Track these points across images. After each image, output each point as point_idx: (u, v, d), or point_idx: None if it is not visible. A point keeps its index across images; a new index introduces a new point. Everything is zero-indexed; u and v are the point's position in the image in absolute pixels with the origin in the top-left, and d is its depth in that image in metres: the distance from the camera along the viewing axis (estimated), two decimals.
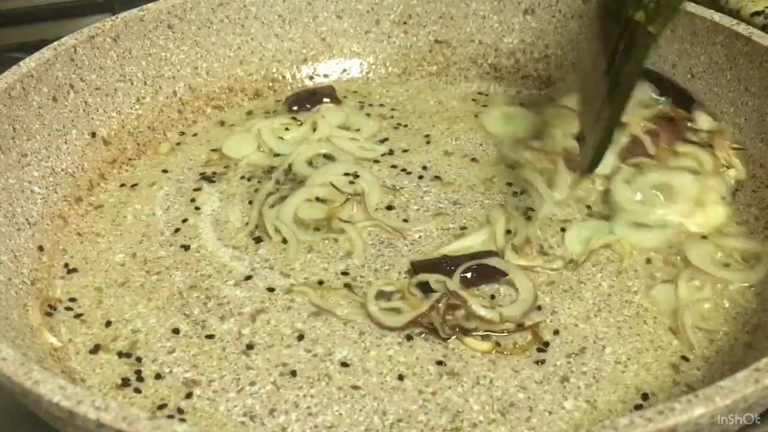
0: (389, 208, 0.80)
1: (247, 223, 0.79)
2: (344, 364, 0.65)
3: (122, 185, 0.84)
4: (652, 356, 0.66)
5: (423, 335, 0.67)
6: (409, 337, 0.67)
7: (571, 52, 0.96)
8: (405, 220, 0.79)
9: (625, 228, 0.76)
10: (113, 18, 0.87)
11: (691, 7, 0.86)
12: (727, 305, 0.70)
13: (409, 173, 0.85)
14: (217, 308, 0.70)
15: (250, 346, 0.67)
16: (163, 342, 0.68)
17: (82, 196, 0.81)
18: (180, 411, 0.62)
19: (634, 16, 0.71)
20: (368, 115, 0.94)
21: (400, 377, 0.64)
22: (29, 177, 0.76)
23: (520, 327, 0.67)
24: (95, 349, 0.67)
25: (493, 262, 0.72)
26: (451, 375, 0.64)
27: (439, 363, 0.65)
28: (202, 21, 0.93)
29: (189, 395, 0.63)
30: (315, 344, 0.67)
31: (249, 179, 0.84)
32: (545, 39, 0.97)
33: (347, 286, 0.72)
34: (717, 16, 0.84)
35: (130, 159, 0.87)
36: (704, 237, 0.75)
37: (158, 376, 0.65)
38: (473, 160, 0.87)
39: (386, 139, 0.90)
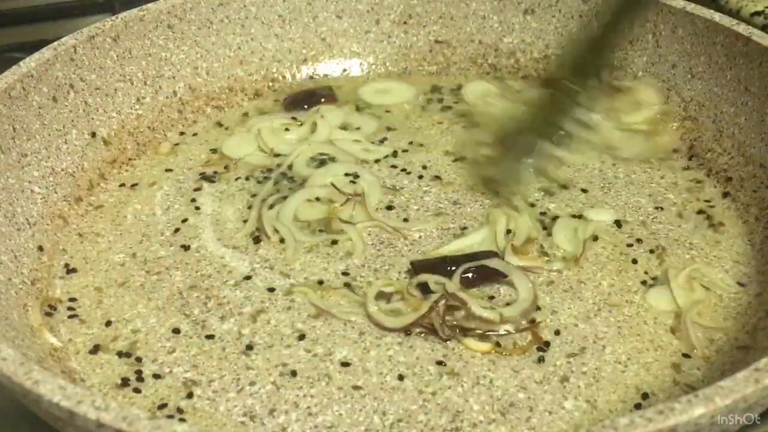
0: (389, 208, 0.80)
1: (245, 222, 0.79)
2: (344, 364, 0.65)
3: (122, 185, 0.84)
4: (652, 356, 0.66)
5: (423, 335, 0.67)
6: (409, 337, 0.67)
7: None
8: (405, 220, 0.79)
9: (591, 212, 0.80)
10: (113, 18, 0.87)
11: (691, 7, 0.86)
12: (726, 305, 0.70)
13: (409, 173, 0.85)
14: (217, 308, 0.70)
15: (250, 346, 0.67)
16: (163, 342, 0.68)
17: (82, 196, 0.81)
18: (180, 411, 0.62)
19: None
20: (369, 114, 0.94)
21: (400, 377, 0.64)
22: (29, 177, 0.76)
23: (520, 327, 0.67)
24: (95, 349, 0.67)
25: (493, 263, 0.72)
26: (451, 375, 0.64)
27: (439, 363, 0.65)
28: (202, 21, 0.93)
29: (189, 395, 0.63)
30: (315, 344, 0.67)
31: (249, 179, 0.84)
32: (545, 39, 0.97)
33: (347, 285, 0.72)
34: (717, 16, 0.84)
35: (130, 159, 0.87)
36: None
37: (158, 376, 0.65)
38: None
39: (385, 139, 0.90)
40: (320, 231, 0.78)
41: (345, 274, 0.73)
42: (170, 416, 0.62)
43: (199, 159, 0.88)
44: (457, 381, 0.64)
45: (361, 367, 0.65)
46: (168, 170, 0.86)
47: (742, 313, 0.69)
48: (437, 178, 0.84)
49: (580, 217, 0.79)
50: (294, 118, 0.92)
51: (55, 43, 0.82)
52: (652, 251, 0.75)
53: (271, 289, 0.72)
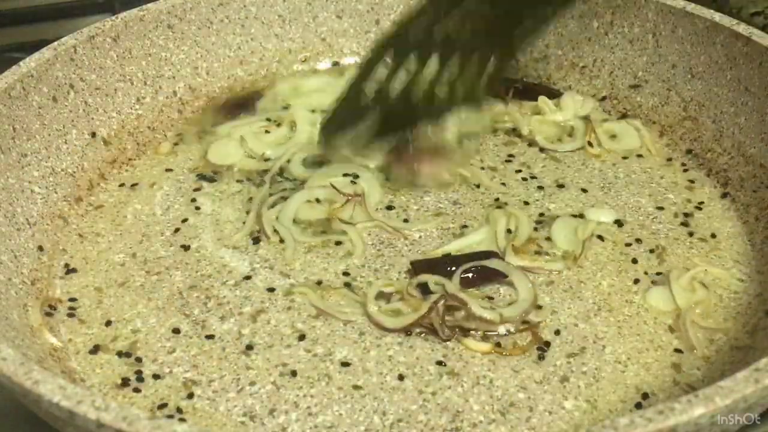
0: (389, 208, 0.80)
1: (244, 222, 0.79)
2: (344, 364, 0.65)
3: (122, 185, 0.84)
4: (652, 356, 0.66)
5: (423, 335, 0.67)
6: (409, 338, 0.67)
7: (571, 52, 0.96)
8: (405, 220, 0.79)
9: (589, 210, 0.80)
10: (113, 18, 0.87)
11: (691, 7, 0.86)
12: (726, 305, 0.70)
13: None
14: (217, 308, 0.70)
15: (250, 346, 0.67)
16: (163, 342, 0.68)
17: (82, 196, 0.81)
18: (180, 411, 0.62)
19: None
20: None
21: (400, 377, 0.64)
22: (29, 177, 0.76)
23: (520, 327, 0.67)
24: (95, 349, 0.67)
25: (493, 263, 0.72)
26: (451, 375, 0.64)
27: (439, 363, 0.65)
28: (202, 21, 0.93)
29: (189, 395, 0.63)
30: (315, 344, 0.67)
31: (246, 181, 0.84)
32: (545, 39, 0.97)
33: (347, 285, 0.72)
34: (717, 16, 0.84)
35: (130, 159, 0.87)
36: None
37: (158, 376, 0.65)
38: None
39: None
40: (321, 232, 0.78)
41: (345, 274, 0.73)
42: (170, 416, 0.62)
43: (198, 159, 0.88)
44: (457, 381, 0.64)
45: (361, 367, 0.65)
46: (168, 170, 0.86)
47: (742, 313, 0.69)
48: None
49: (580, 216, 0.79)
50: (269, 119, 0.91)
51: (55, 43, 0.82)
52: (652, 251, 0.75)
53: (271, 289, 0.72)
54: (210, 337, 0.68)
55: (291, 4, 0.97)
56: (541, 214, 0.79)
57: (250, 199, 0.81)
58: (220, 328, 0.68)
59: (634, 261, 0.74)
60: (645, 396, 0.63)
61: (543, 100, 0.92)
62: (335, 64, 0.99)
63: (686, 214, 0.79)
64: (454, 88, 0.78)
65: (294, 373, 0.65)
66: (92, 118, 0.84)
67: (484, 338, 0.67)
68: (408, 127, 0.80)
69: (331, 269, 0.74)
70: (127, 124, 0.88)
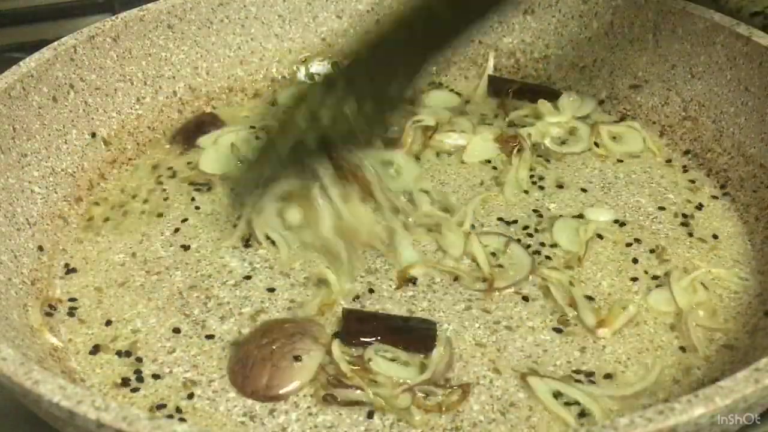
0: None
1: (235, 226, 0.78)
2: None
3: (122, 185, 0.84)
4: (652, 356, 0.66)
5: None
6: None
7: (572, 52, 0.96)
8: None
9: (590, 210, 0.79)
10: (113, 18, 0.87)
11: (691, 7, 0.86)
12: (726, 305, 0.70)
13: None
14: (217, 308, 0.70)
15: None
16: (163, 342, 0.68)
17: (82, 196, 0.81)
18: (179, 411, 0.62)
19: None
20: None
21: None
22: (29, 177, 0.76)
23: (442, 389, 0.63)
24: (95, 349, 0.67)
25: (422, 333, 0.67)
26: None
27: None
28: (202, 21, 0.93)
29: (189, 395, 0.63)
30: None
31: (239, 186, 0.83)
32: (545, 39, 0.97)
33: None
34: (717, 16, 0.84)
35: (130, 159, 0.87)
36: None
37: (158, 376, 0.65)
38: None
39: None
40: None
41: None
42: (170, 416, 0.62)
43: (190, 170, 0.86)
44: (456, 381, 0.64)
45: None
46: (168, 169, 0.86)
47: (742, 313, 0.69)
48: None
49: (580, 216, 0.79)
50: (252, 127, 0.90)
51: (55, 43, 0.82)
52: (652, 251, 0.75)
53: (271, 289, 0.72)
54: (210, 337, 0.68)
55: (291, 4, 0.97)
56: (540, 215, 0.79)
57: (242, 204, 0.79)
58: (220, 328, 0.68)
59: (634, 261, 0.74)
60: (645, 396, 0.63)
61: (542, 103, 0.92)
62: (335, 64, 0.99)
63: (686, 215, 0.79)
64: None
65: None
66: (92, 118, 0.84)
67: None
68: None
69: None
70: (127, 124, 0.88)
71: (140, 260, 0.75)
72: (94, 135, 0.84)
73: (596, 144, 0.88)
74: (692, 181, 0.84)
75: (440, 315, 0.69)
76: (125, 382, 0.64)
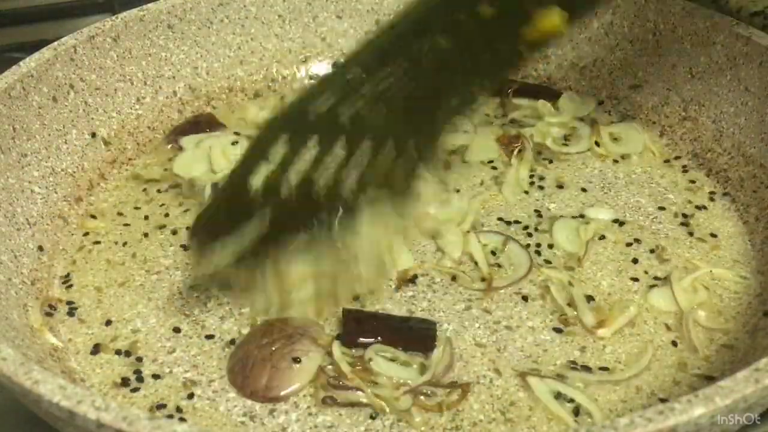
0: None
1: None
2: None
3: (122, 185, 0.84)
4: (652, 356, 0.66)
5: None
6: None
7: (571, 52, 0.96)
8: None
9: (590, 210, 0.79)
10: (113, 18, 0.87)
11: (691, 7, 0.86)
12: (726, 305, 0.70)
13: None
14: (217, 308, 0.70)
15: None
16: (163, 342, 0.68)
17: (82, 196, 0.81)
18: (180, 411, 0.62)
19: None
20: None
21: None
22: (29, 177, 0.76)
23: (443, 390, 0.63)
24: (95, 349, 0.67)
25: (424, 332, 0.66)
26: None
27: None
28: (202, 21, 0.93)
29: (189, 395, 0.63)
30: None
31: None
32: None
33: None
34: (717, 16, 0.84)
35: (130, 159, 0.87)
36: None
37: (158, 376, 0.65)
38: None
39: None
40: None
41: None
42: (170, 416, 0.62)
43: (162, 169, 0.86)
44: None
45: None
46: (166, 170, 0.86)
47: (742, 313, 0.69)
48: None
49: (580, 217, 0.79)
50: (237, 133, 0.89)
51: (55, 43, 0.82)
52: (652, 251, 0.75)
53: None
54: (210, 337, 0.68)
55: (291, 4, 0.97)
56: (541, 215, 0.79)
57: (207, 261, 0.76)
58: (220, 328, 0.68)
59: (635, 261, 0.74)
60: (645, 396, 0.63)
61: (542, 103, 0.92)
62: (335, 64, 0.99)
63: (686, 214, 0.79)
64: (364, 177, 0.62)
65: None
66: (92, 118, 0.84)
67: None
68: (304, 226, 0.62)
69: None
70: (127, 124, 0.88)
71: (140, 260, 0.75)
72: (94, 135, 0.84)
73: (597, 144, 0.88)
74: (692, 181, 0.84)
75: (440, 315, 0.69)
76: (125, 382, 0.64)
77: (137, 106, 0.89)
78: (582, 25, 0.95)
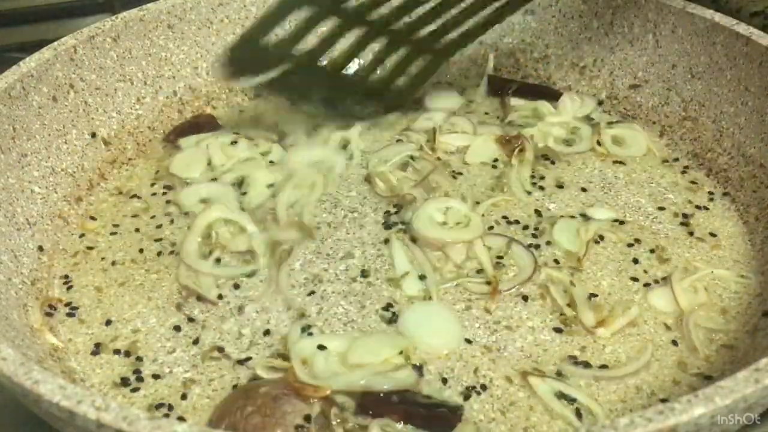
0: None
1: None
2: None
3: (122, 185, 0.84)
4: (652, 356, 0.66)
5: None
6: None
7: (571, 52, 0.96)
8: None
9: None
10: (113, 18, 0.87)
11: (691, 7, 0.86)
12: (726, 306, 0.70)
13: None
14: (217, 308, 0.70)
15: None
16: (163, 342, 0.68)
17: (82, 196, 0.81)
18: (180, 410, 0.62)
19: None
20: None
21: None
22: (29, 177, 0.76)
23: None
24: (95, 349, 0.67)
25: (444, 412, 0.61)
26: None
27: None
28: (202, 21, 0.93)
29: (189, 395, 0.63)
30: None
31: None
32: (545, 39, 0.97)
33: (354, 280, 0.72)
34: (717, 16, 0.84)
35: (130, 159, 0.87)
36: None
37: (158, 376, 0.65)
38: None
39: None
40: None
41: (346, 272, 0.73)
42: (170, 416, 0.61)
43: (159, 168, 0.86)
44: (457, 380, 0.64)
45: None
46: (168, 170, 0.86)
47: (742, 313, 0.69)
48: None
49: (581, 216, 0.79)
50: (236, 133, 0.89)
51: (55, 43, 0.82)
52: (652, 251, 0.75)
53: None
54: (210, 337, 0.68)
55: None
56: (541, 215, 0.79)
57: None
58: (220, 327, 0.68)
59: (635, 261, 0.74)
60: (645, 396, 0.63)
61: (542, 104, 0.92)
62: None
63: (686, 215, 0.79)
64: (369, 71, 0.72)
65: None
66: (92, 118, 0.84)
67: None
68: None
69: (331, 269, 0.74)
70: (127, 124, 0.88)
71: (140, 260, 0.75)
72: (94, 135, 0.84)
73: (598, 143, 0.88)
74: (692, 182, 0.84)
75: None
76: (125, 381, 0.64)
77: (137, 106, 0.89)
78: (582, 25, 0.95)
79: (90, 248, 0.77)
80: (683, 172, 0.85)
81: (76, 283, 0.73)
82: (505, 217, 0.79)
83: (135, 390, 0.64)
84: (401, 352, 0.64)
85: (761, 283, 0.72)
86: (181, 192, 0.82)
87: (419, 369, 0.64)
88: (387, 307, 0.69)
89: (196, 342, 0.67)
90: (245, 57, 0.76)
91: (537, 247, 0.75)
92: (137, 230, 0.79)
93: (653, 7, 0.89)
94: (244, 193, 0.81)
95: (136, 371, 0.65)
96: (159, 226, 0.79)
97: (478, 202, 0.80)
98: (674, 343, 0.67)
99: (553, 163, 0.86)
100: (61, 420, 0.50)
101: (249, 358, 0.65)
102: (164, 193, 0.83)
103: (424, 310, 0.69)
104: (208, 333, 0.68)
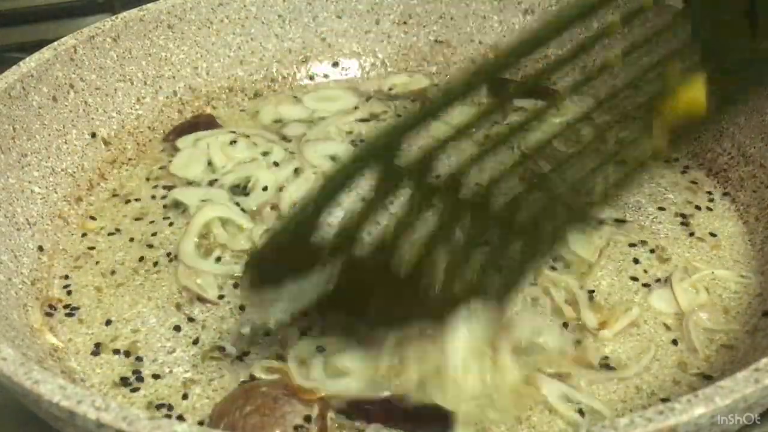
0: None
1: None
2: None
3: (122, 185, 0.84)
4: (652, 356, 0.66)
5: None
6: None
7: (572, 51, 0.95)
8: None
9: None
10: (113, 18, 0.87)
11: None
12: (726, 306, 0.70)
13: None
14: (217, 308, 0.70)
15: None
16: (163, 342, 0.68)
17: (82, 196, 0.81)
18: (180, 410, 0.62)
19: None
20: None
21: None
22: (29, 177, 0.76)
23: None
24: (95, 349, 0.67)
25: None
26: None
27: None
28: (202, 21, 0.93)
29: (189, 395, 0.63)
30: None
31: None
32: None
33: None
34: None
35: (130, 159, 0.87)
36: None
37: (158, 376, 0.65)
38: None
39: None
40: None
41: None
42: (170, 416, 0.61)
43: (158, 170, 0.86)
44: None
45: None
46: (168, 170, 0.86)
47: (742, 313, 0.69)
48: None
49: None
50: (233, 132, 0.89)
51: (55, 43, 0.82)
52: (652, 251, 0.75)
53: None
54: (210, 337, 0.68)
55: (291, 4, 0.97)
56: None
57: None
58: (221, 327, 0.68)
59: (635, 261, 0.74)
60: (645, 396, 0.63)
61: (542, 104, 0.92)
62: (335, 64, 0.99)
63: (686, 215, 0.79)
64: (452, 266, 0.53)
65: None
66: (92, 118, 0.84)
67: None
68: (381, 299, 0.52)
69: None
70: (127, 124, 0.88)
71: (140, 260, 0.75)
72: (94, 135, 0.84)
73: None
74: (692, 182, 0.84)
75: None
76: (125, 381, 0.64)
77: (137, 106, 0.89)
78: (582, 25, 0.95)
79: (90, 248, 0.77)
80: (683, 172, 0.85)
81: (76, 283, 0.73)
82: None
83: (135, 390, 0.64)
84: None
85: (761, 283, 0.72)
86: (181, 192, 0.82)
87: None
88: None
89: (196, 342, 0.67)
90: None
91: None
92: (137, 230, 0.79)
93: (653, 7, 0.89)
94: (246, 194, 0.81)
95: (136, 371, 0.65)
96: (159, 227, 0.79)
97: None
98: (674, 343, 0.67)
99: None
100: (61, 420, 0.50)
101: (249, 358, 0.65)
102: (164, 195, 0.83)
103: None
104: (208, 333, 0.68)
